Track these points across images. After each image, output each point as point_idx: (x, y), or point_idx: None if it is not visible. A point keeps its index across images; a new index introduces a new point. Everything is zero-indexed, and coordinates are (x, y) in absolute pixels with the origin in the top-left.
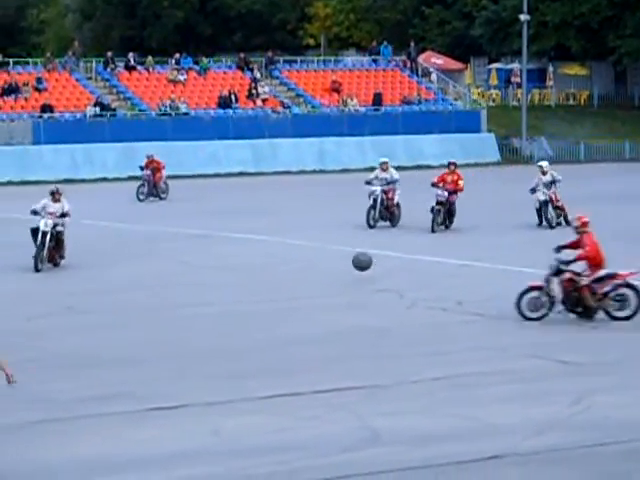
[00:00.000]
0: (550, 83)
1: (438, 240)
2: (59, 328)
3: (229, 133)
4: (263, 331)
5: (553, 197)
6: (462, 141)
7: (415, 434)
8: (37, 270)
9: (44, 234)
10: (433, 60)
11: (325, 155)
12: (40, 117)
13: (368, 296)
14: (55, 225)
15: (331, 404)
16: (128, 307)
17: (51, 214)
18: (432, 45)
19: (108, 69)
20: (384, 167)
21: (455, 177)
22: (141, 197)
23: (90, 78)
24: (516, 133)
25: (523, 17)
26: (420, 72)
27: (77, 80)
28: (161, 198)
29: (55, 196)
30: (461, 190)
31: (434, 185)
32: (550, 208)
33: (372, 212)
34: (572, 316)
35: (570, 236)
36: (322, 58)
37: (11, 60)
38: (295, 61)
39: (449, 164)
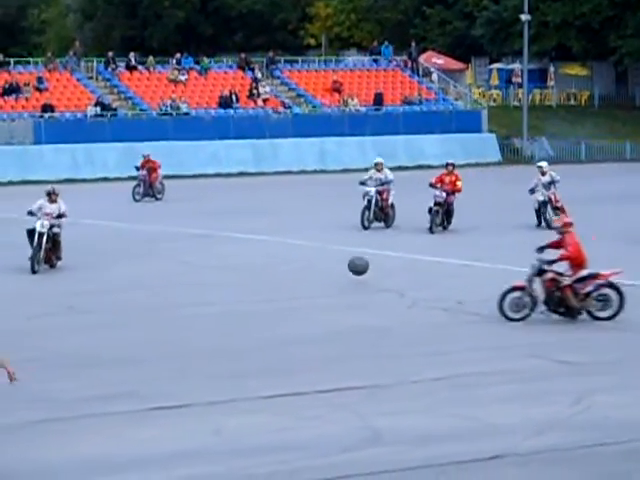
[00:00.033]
0: (551, 83)
1: (438, 240)
2: (60, 328)
3: (230, 133)
4: (264, 331)
5: (552, 198)
6: (463, 141)
7: (416, 434)
8: (34, 272)
9: (40, 235)
10: (434, 60)
11: (326, 155)
12: (41, 117)
13: (369, 296)
14: (51, 226)
15: (332, 404)
16: (129, 307)
17: (47, 215)
18: (433, 45)
19: (109, 69)
20: (379, 167)
21: (453, 178)
22: (137, 197)
23: (91, 78)
24: (517, 133)
25: (524, 17)
26: (421, 72)
27: (78, 80)
28: (157, 198)
29: (51, 197)
30: (459, 191)
31: (432, 186)
32: (549, 209)
33: (366, 213)
34: (555, 316)
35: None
36: (323, 58)
37: (12, 60)
38: (296, 61)
39: (447, 165)
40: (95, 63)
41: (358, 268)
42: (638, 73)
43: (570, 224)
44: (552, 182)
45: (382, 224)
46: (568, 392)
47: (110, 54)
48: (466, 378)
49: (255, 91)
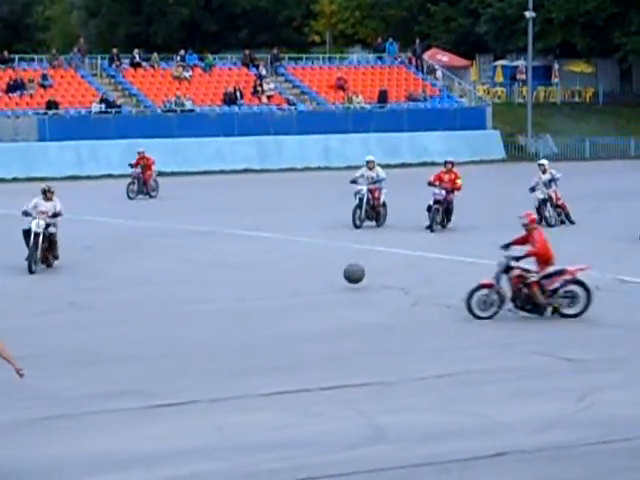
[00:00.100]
0: (555, 80)
1: (438, 238)
2: (61, 325)
3: (234, 130)
4: (267, 328)
5: (553, 196)
6: (467, 138)
7: (420, 431)
8: (31, 272)
9: (36, 235)
10: (438, 57)
11: (330, 152)
12: (45, 114)
13: (372, 293)
14: (47, 226)
15: (336, 401)
16: (132, 304)
17: (43, 213)
18: (437, 42)
19: (113, 66)
20: (370, 166)
21: (452, 176)
22: (131, 195)
23: (95, 75)
24: (521, 130)
25: (528, 14)
26: (425, 69)
27: (82, 77)
28: (151, 196)
29: (47, 195)
30: (459, 189)
31: (431, 184)
32: (549, 207)
33: (358, 212)
34: (522, 314)
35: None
36: (327, 55)
37: (16, 56)
38: (300, 58)
39: (446, 163)
40: (99, 60)
41: (354, 275)
42: None
43: (535, 220)
44: (552, 180)
45: (373, 223)
46: (572, 389)
47: (114, 51)
48: (470, 375)
49: (259, 88)
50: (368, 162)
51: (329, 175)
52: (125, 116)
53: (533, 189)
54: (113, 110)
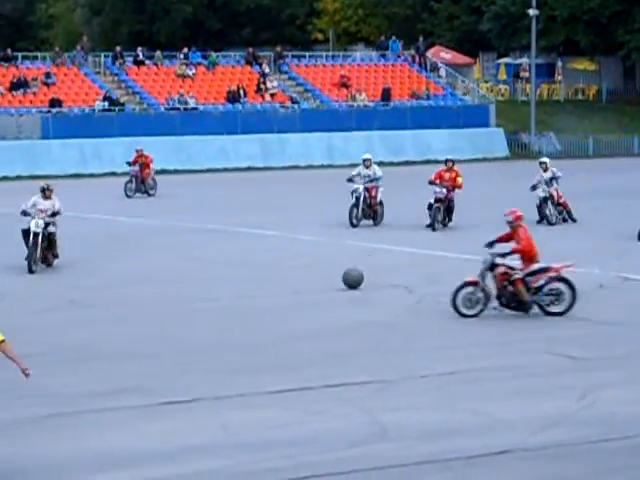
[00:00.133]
0: (559, 78)
1: (442, 236)
2: (63, 323)
3: (237, 128)
4: (270, 326)
5: (555, 194)
6: (471, 136)
7: (423, 429)
8: (31, 271)
9: (35, 235)
10: (442, 55)
11: (333, 150)
12: (49, 112)
13: (376, 291)
14: (46, 225)
15: (339, 399)
16: (133, 302)
17: (42, 212)
18: (441, 40)
19: (117, 64)
20: (367, 164)
21: (453, 174)
22: (129, 194)
23: (99, 73)
24: (525, 128)
25: (532, 12)
26: (429, 67)
27: (86, 75)
28: (149, 194)
29: (45, 193)
30: (460, 187)
31: (431, 183)
32: (550, 205)
33: (354, 210)
34: (507, 311)
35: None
36: (331, 53)
37: (20, 55)
38: (304, 56)
39: (446, 161)
40: (103, 58)
41: (353, 280)
42: None
43: (521, 217)
44: (554, 178)
45: (371, 222)
46: (574, 387)
47: (118, 49)
48: (473, 373)
49: (263, 86)
50: (365, 160)
51: (332, 173)
52: (128, 114)
53: (534, 187)
54: (116, 108)
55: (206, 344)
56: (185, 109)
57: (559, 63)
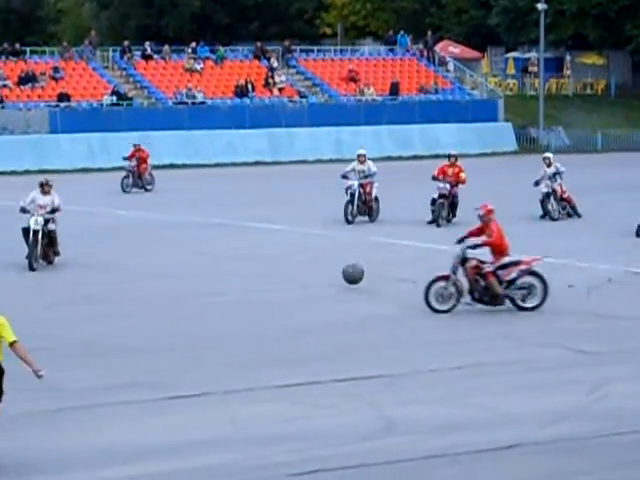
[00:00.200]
0: (567, 72)
1: (446, 231)
2: (73, 317)
3: (246, 122)
4: (278, 320)
5: (558, 189)
6: (479, 130)
7: (432, 423)
8: (32, 269)
9: (35, 232)
10: (450, 49)
11: (342, 144)
12: (57, 106)
13: (384, 285)
14: (46, 222)
15: (347, 393)
16: (142, 296)
17: (41, 207)
18: (449, 34)
19: (125, 58)
20: (361, 159)
21: (456, 169)
22: (126, 189)
23: (107, 67)
24: (533, 122)
25: (540, 6)
26: (437, 61)
27: (94, 69)
28: (146, 190)
29: (44, 188)
30: (463, 182)
31: (435, 178)
32: (552, 200)
33: (350, 207)
34: (479, 306)
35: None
36: (339, 47)
37: (28, 49)
38: (312, 50)
39: (449, 156)
40: (111, 52)
41: (353, 277)
42: None
43: (492, 211)
44: (557, 173)
45: (366, 218)
46: (584, 381)
47: (126, 43)
48: (482, 367)
49: (271, 80)
50: (359, 156)
51: (341, 167)
52: (136, 108)
53: (537, 183)
54: (124, 102)
55: (214, 338)
56: (193, 103)
57: (567, 57)
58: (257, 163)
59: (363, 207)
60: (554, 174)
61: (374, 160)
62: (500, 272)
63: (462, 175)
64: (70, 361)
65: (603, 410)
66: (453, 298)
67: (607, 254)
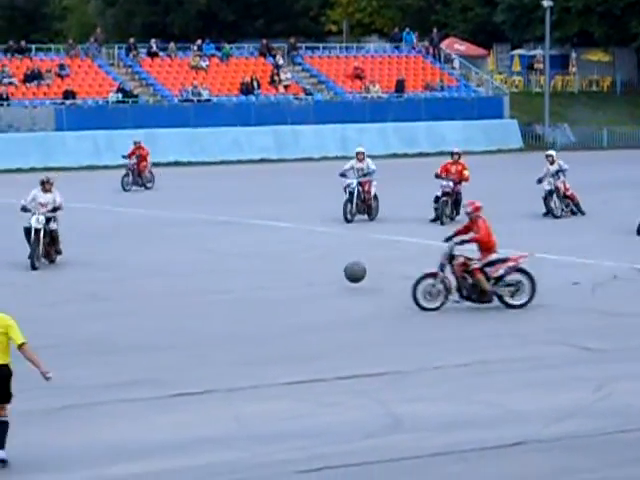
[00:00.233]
0: (573, 69)
1: (448, 229)
2: (77, 315)
3: (251, 120)
4: (284, 318)
5: (561, 186)
6: (485, 127)
7: (437, 421)
8: (34, 268)
9: (37, 231)
10: (456, 46)
11: (347, 142)
12: (62, 103)
13: (389, 282)
14: (48, 221)
15: (353, 390)
16: (147, 294)
17: (42, 205)
18: (455, 31)
19: (130, 55)
20: (360, 157)
21: (459, 167)
22: (126, 187)
23: (112, 64)
24: (539, 119)
25: (546, 3)
26: (443, 58)
27: (99, 66)
28: (147, 187)
29: (45, 186)
30: (467, 180)
31: (438, 176)
32: (555, 198)
33: (349, 206)
34: (468, 304)
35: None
36: (344, 44)
37: (34, 46)
38: (317, 47)
39: (452, 154)
40: (116, 49)
41: (356, 274)
42: None
43: (480, 208)
44: (560, 171)
45: (365, 217)
46: (589, 379)
47: (131, 40)
48: (488, 365)
49: (276, 77)
50: (358, 154)
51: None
52: (142, 106)
53: (540, 180)
54: (130, 100)
55: (219, 336)
56: (199, 101)
57: (573, 54)
58: (262, 160)
59: (362, 206)
60: (557, 171)
61: (380, 157)
62: (488, 269)
63: (465, 173)
64: (74, 359)
65: (609, 408)
66: (441, 295)
67: (611, 251)
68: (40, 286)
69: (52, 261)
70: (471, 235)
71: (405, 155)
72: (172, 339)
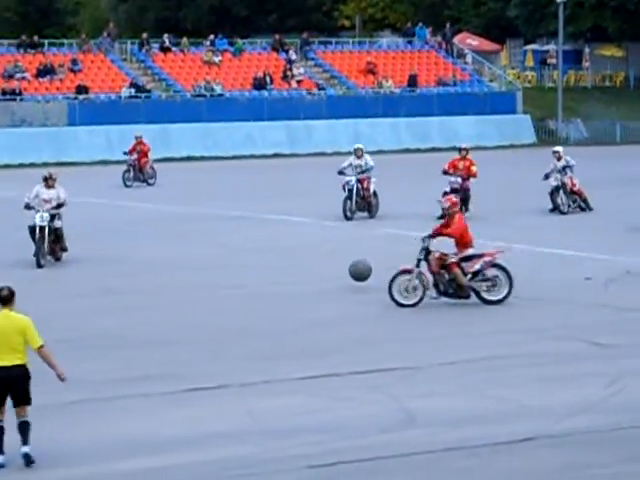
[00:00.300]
0: (586, 64)
1: None
2: (91, 310)
3: (264, 114)
4: (297, 312)
5: (568, 182)
6: (497, 123)
7: (450, 416)
8: (39, 266)
9: (41, 229)
10: (468, 41)
11: (360, 136)
12: (75, 98)
13: None
14: (52, 218)
15: (366, 385)
16: (160, 289)
17: (45, 202)
18: (467, 26)
19: (143, 50)
20: (358, 154)
21: (467, 163)
22: (128, 183)
23: (125, 59)
24: (552, 115)
25: None
26: (455, 53)
27: (112, 61)
28: (148, 184)
29: (48, 182)
30: (475, 176)
31: (446, 173)
32: (562, 193)
33: (348, 203)
34: (444, 299)
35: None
36: (357, 39)
37: (46, 41)
38: (330, 42)
39: (460, 149)
40: (129, 44)
41: (360, 273)
42: None
43: (457, 204)
44: (567, 167)
45: (366, 214)
46: (601, 374)
47: (144, 35)
48: (500, 360)
49: (289, 72)
50: (356, 150)
51: None
52: (155, 101)
53: (547, 176)
54: (143, 95)
55: (232, 331)
56: (211, 96)
57: (586, 49)
58: (275, 155)
59: (362, 203)
60: (564, 167)
61: (392, 153)
62: (464, 264)
63: (473, 168)
64: (86, 353)
65: (620, 403)
66: (418, 291)
67: (622, 247)
68: (48, 283)
69: (58, 259)
70: (445, 230)
71: (418, 150)
72: (185, 334)
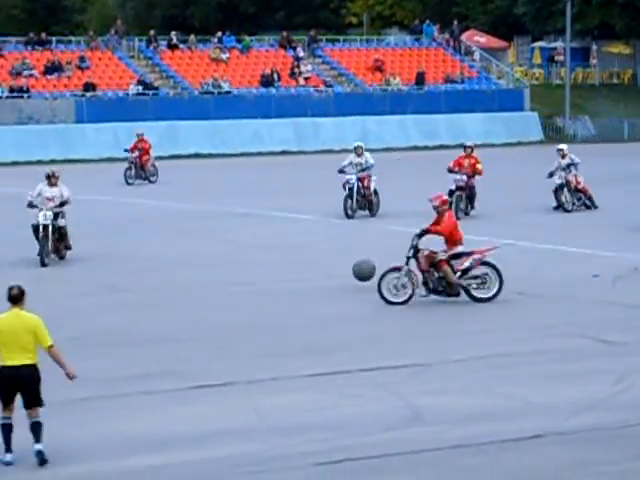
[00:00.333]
0: (594, 62)
1: (463, 222)
2: (97, 307)
3: (271, 112)
4: (304, 310)
5: (572, 180)
6: (505, 120)
7: (457, 413)
8: (43, 265)
9: (45, 227)
10: (476, 39)
11: (367, 134)
12: (83, 96)
13: None
14: (55, 216)
15: (373, 383)
16: (167, 286)
17: (48, 200)
18: (475, 23)
19: (151, 47)
20: (358, 152)
21: (472, 161)
22: (130, 181)
23: (133, 57)
24: (559, 112)
25: None
26: (463, 51)
27: (120, 59)
28: (150, 181)
29: (51, 180)
30: (480, 173)
31: (451, 171)
32: (566, 191)
33: (349, 202)
34: (433, 296)
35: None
36: (365, 37)
37: (54, 38)
38: (338, 40)
39: (465, 147)
40: (137, 42)
41: (364, 273)
42: None
43: (447, 202)
44: (572, 164)
45: (367, 212)
46: (609, 371)
47: (152, 33)
48: (507, 357)
49: (297, 70)
50: (356, 148)
51: None
52: (162, 98)
53: (552, 174)
54: (150, 92)
55: (239, 328)
56: (219, 93)
57: (594, 47)
58: (283, 153)
59: (363, 201)
60: (568, 165)
61: (400, 150)
62: (454, 262)
63: (478, 166)
64: (92, 351)
65: (628, 400)
66: (408, 289)
67: (628, 244)
68: (52, 281)
69: (62, 257)
70: (434, 227)
71: (425, 147)
72: (192, 331)
